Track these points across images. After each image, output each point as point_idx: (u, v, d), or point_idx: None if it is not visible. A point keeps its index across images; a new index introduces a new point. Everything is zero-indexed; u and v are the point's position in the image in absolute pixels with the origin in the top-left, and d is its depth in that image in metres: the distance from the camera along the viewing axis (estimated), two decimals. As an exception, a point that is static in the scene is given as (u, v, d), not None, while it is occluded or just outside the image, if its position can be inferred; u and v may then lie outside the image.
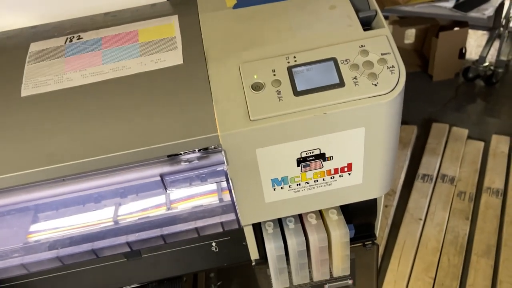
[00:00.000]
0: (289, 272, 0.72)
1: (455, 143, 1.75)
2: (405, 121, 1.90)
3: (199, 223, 0.64)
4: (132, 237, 0.64)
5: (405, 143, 1.78)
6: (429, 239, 1.44)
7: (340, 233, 0.67)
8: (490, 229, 1.44)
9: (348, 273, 0.72)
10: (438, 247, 1.42)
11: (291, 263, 0.69)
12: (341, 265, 0.71)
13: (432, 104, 2.00)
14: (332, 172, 0.61)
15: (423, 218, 1.51)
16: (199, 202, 0.64)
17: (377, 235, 0.79)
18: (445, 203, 1.54)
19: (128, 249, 0.66)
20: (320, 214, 0.70)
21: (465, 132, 1.78)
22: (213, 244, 0.79)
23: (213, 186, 0.63)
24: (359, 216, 0.76)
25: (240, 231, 0.69)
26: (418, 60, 2.22)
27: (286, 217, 0.69)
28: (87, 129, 0.55)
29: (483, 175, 1.62)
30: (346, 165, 0.61)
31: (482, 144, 1.74)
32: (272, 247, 0.66)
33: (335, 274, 0.72)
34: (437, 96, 2.06)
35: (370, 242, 0.78)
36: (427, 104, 2.01)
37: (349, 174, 0.62)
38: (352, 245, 0.78)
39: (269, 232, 0.68)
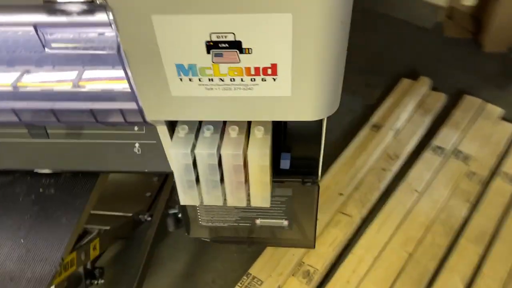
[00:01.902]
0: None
1: (483, 121, 1.55)
2: (435, 87, 1.71)
3: (95, 105, 0.55)
4: (19, 105, 0.56)
5: (427, 109, 1.60)
6: (419, 214, 1.30)
7: (260, 153, 0.56)
8: (491, 216, 1.28)
9: (268, 205, 0.62)
10: (426, 224, 1.28)
11: (200, 178, 0.59)
12: (259, 193, 0.60)
13: (472, 76, 1.78)
14: (253, 72, 0.49)
15: (420, 190, 1.36)
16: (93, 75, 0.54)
17: (319, 175, 0.67)
18: (450, 180, 1.38)
19: (16, 119, 0.58)
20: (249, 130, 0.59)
21: (497, 110, 1.57)
22: (136, 145, 0.70)
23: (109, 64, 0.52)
24: (298, 145, 0.65)
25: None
26: (471, 27, 1.97)
27: (206, 124, 0.58)
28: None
29: (503, 161, 1.43)
30: (269, 65, 0.48)
31: (513, 127, 1.53)
32: (178, 153, 0.56)
33: (253, 203, 0.62)
34: (481, 68, 1.83)
35: (310, 180, 0.67)
36: (467, 74, 1.79)
37: (274, 79, 0.50)
38: (288, 179, 0.67)
39: (179, 135, 0.58)
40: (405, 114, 1.57)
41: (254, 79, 0.50)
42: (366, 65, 1.96)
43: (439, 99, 1.64)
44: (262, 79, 0.50)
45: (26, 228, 0.67)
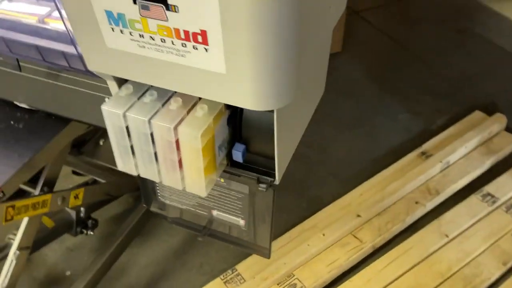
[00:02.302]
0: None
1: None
2: (510, 127, 1.49)
3: (38, 42, 0.52)
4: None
5: (492, 150, 1.40)
6: (440, 261, 1.14)
7: (191, 133, 0.49)
8: (525, 290, 1.08)
9: (203, 194, 0.55)
10: (445, 275, 1.11)
11: (134, 146, 0.54)
12: (193, 179, 0.54)
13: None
14: (183, 36, 0.42)
15: (450, 236, 1.19)
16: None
17: (277, 179, 0.59)
18: (490, 235, 1.19)
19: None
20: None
21: None
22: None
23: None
24: (254, 138, 0.57)
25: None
26: None
27: (151, 90, 0.53)
28: None
29: None
30: (199, 31, 0.41)
31: None
32: (109, 113, 0.52)
33: (188, 189, 0.56)
34: None
35: (266, 181, 0.59)
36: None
37: (206, 50, 0.43)
38: (243, 174, 0.60)
39: (120, 94, 0.53)
40: (463, 149, 1.39)
41: (185, 44, 0.43)
42: (444, 88, 1.77)
43: (509, 142, 1.42)
44: (194, 47, 0.43)
45: None
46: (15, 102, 0.74)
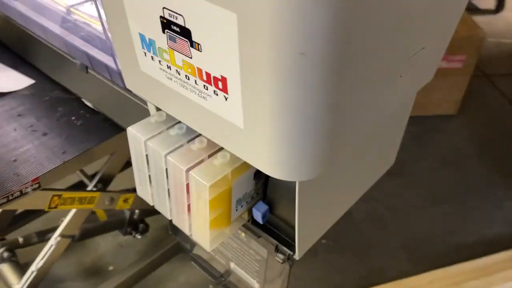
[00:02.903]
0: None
1: None
2: None
3: (87, 49, 0.51)
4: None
5: None
6: None
7: (200, 180, 0.44)
8: None
9: (208, 248, 0.49)
10: None
11: (151, 176, 0.51)
12: (199, 228, 0.48)
13: None
14: (205, 77, 0.38)
15: None
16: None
17: (297, 254, 0.51)
18: None
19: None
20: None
21: None
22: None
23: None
24: (279, 202, 0.50)
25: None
26: None
27: (181, 124, 0.49)
28: None
29: None
30: (219, 77, 0.36)
31: None
32: (132, 136, 0.49)
33: (194, 237, 0.50)
34: None
35: (285, 254, 0.51)
36: None
37: (225, 98, 0.37)
38: (263, 237, 0.53)
39: (150, 120, 0.50)
40: None
41: (207, 87, 0.38)
42: None
43: None
44: (214, 92, 0.38)
45: (33, 134, 0.68)
46: (83, 100, 0.76)
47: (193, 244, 0.71)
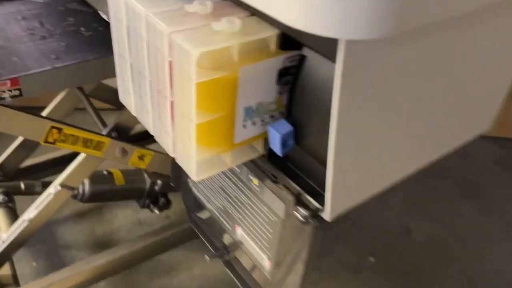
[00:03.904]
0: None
1: None
2: None
3: None
4: None
5: None
6: None
7: (185, 46, 0.27)
8: None
9: (194, 177, 0.32)
10: None
11: (132, 66, 0.35)
12: (184, 142, 0.32)
13: None
14: None
15: None
16: None
17: (328, 212, 0.32)
18: None
19: None
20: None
21: None
22: None
23: None
24: (308, 118, 0.32)
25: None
26: None
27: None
28: None
29: None
30: None
31: None
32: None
33: (178, 159, 0.34)
34: None
35: (307, 209, 0.33)
36: None
37: None
38: (281, 184, 0.36)
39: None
40: None
41: None
42: None
43: None
44: None
45: (30, 36, 0.55)
46: (100, 12, 0.63)
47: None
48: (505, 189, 1.31)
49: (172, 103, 0.31)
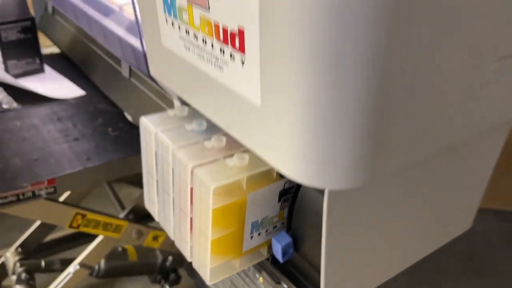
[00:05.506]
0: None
1: None
2: None
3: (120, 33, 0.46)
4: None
5: None
6: None
7: (204, 180, 0.34)
8: None
9: (208, 280, 0.38)
10: None
11: (158, 182, 0.42)
12: (200, 252, 0.38)
13: None
14: (221, 35, 0.30)
15: None
16: None
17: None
18: None
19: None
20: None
21: None
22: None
23: None
24: (304, 231, 0.38)
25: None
26: None
27: (202, 119, 0.41)
28: None
29: None
30: (236, 29, 0.28)
31: None
32: (143, 127, 0.41)
33: (194, 265, 0.39)
34: None
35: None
36: None
37: (242, 62, 0.29)
38: (277, 278, 0.41)
39: (168, 113, 0.42)
40: None
41: (223, 50, 0.30)
42: None
43: None
44: (231, 56, 0.30)
45: (65, 138, 0.63)
46: (125, 113, 0.71)
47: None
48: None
49: (191, 219, 0.38)
